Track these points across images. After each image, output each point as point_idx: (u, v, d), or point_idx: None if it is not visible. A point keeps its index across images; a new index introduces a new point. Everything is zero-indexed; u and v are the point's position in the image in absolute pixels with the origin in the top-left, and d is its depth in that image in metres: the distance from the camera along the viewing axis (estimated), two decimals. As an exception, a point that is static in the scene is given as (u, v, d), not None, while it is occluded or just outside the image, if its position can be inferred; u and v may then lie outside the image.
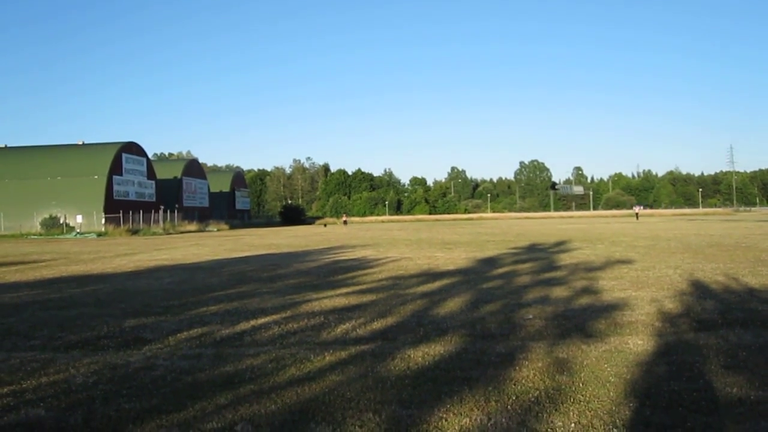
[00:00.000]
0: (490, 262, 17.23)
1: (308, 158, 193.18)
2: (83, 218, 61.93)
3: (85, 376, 5.83)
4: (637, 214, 77.80)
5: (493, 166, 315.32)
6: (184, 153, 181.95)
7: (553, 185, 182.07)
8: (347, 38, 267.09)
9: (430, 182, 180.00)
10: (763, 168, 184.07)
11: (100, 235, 56.90)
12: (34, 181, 66.06)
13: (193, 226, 71.94)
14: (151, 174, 78.44)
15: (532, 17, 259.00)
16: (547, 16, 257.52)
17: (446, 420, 4.47)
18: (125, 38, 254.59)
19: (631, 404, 4.69)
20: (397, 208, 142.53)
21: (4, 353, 6.92)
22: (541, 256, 19.05)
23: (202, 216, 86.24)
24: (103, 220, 62.50)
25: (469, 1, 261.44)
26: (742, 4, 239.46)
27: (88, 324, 8.64)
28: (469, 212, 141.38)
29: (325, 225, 78.95)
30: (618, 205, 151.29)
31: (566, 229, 45.47)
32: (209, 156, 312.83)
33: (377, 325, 8.08)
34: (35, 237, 55.43)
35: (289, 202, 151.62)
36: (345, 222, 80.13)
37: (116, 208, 64.42)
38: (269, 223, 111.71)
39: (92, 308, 10.24)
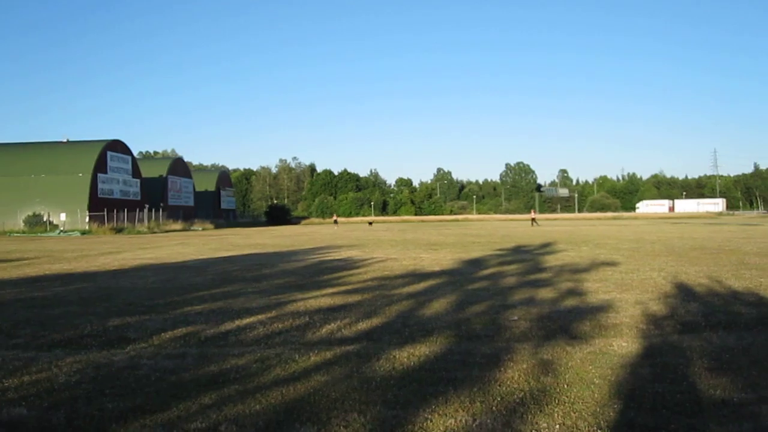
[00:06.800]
0: (476, 264, 17.25)
1: (294, 158, 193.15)
2: (67, 216, 61.56)
3: (67, 375, 5.78)
4: (533, 219, 70.91)
5: (479, 167, 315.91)
6: (170, 151, 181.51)
7: (539, 187, 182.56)
8: (335, 43, 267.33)
9: (416, 183, 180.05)
10: (746, 172, 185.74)
11: (84, 233, 56.56)
12: (17, 178, 65.48)
13: (177, 225, 71.72)
14: (136, 172, 78.08)
15: (518, 25, 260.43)
16: (533, 24, 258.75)
17: (431, 421, 4.47)
18: (111, 35, 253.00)
19: (616, 406, 4.71)
20: (383, 209, 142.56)
21: (-14, 352, 6.85)
22: (527, 257, 19.09)
23: (187, 215, 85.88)
24: (87, 219, 62.10)
25: (455, 9, 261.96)
26: (724, 12, 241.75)
27: (72, 323, 8.57)
28: (454, 213, 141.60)
29: (335, 222, 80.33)
30: (603, 208, 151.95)
31: (551, 231, 45.60)
32: (195, 155, 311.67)
33: (363, 325, 8.07)
34: (18, 235, 55.00)
35: (275, 201, 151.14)
36: (336, 222, 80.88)
37: (101, 206, 63.99)
38: (255, 222, 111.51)
39: (76, 307, 10.17)
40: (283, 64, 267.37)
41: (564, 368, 5.77)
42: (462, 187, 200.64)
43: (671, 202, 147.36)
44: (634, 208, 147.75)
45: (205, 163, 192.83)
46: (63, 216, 61.55)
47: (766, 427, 4.30)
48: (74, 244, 35.93)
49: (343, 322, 8.26)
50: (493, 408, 4.71)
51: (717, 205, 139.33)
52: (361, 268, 16.46)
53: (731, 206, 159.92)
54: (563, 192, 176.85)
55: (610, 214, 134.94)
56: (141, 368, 6.01)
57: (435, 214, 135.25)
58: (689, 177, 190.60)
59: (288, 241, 34.84)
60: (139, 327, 8.20)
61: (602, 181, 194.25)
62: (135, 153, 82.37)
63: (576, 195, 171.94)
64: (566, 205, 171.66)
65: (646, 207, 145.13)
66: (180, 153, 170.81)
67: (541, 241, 29.62)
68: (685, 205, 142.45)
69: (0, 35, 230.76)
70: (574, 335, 7.26)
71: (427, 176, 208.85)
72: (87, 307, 10.08)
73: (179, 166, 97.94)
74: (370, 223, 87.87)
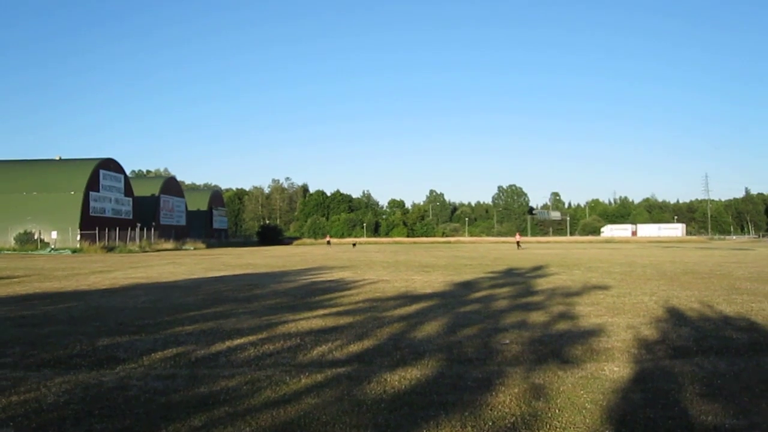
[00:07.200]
0: (468, 286, 17.24)
1: (287, 178, 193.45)
2: (58, 234, 61.30)
3: (56, 396, 5.74)
4: (518, 242, 70.10)
5: (472, 190, 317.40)
6: (162, 170, 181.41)
7: (531, 210, 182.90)
8: (328, 63, 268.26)
9: (408, 205, 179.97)
10: (737, 197, 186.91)
11: (75, 251, 56.31)
12: (8, 195, 65.21)
13: (169, 245, 71.49)
14: (128, 191, 77.92)
15: (511, 47, 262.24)
16: (526, 45, 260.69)
17: (422, 445, 4.45)
18: (104, 53, 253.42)
19: (607, 431, 4.70)
20: (375, 230, 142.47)
21: (-26, 371, 6.79)
22: (519, 280, 19.10)
23: (179, 234, 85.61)
24: (78, 237, 61.84)
25: (448, 30, 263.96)
26: (717, 37, 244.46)
27: (61, 342, 8.52)
28: (446, 235, 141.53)
29: (328, 243, 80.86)
30: (594, 231, 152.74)
31: (543, 254, 45.62)
32: (187, 174, 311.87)
33: (354, 347, 8.04)
34: (9, 252, 54.72)
35: (267, 222, 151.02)
36: (329, 242, 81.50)
37: (92, 224, 63.75)
38: (247, 242, 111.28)
39: (65, 326, 10.11)
40: (277, 83, 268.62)
41: (555, 393, 5.76)
42: (454, 209, 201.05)
43: (634, 226, 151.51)
44: (599, 233, 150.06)
45: (197, 183, 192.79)
46: (54, 234, 61.30)
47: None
48: (65, 262, 35.77)
49: (335, 344, 8.23)
50: (485, 432, 4.70)
51: (676, 230, 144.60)
52: (352, 289, 16.43)
53: (723, 231, 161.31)
54: (555, 215, 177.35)
55: (601, 237, 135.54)
56: (130, 389, 5.97)
57: (427, 236, 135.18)
58: (681, 201, 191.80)
59: (280, 262, 34.77)
60: (129, 347, 8.15)
61: (594, 205, 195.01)
62: (128, 171, 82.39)
63: (568, 218, 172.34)
64: (558, 228, 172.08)
65: (610, 231, 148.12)
66: (173, 172, 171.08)
67: (533, 264, 29.63)
68: (648, 230, 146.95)
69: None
70: (566, 359, 7.25)
71: (420, 198, 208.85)
72: (77, 327, 10.01)
73: (172, 185, 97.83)
74: (354, 245, 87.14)
